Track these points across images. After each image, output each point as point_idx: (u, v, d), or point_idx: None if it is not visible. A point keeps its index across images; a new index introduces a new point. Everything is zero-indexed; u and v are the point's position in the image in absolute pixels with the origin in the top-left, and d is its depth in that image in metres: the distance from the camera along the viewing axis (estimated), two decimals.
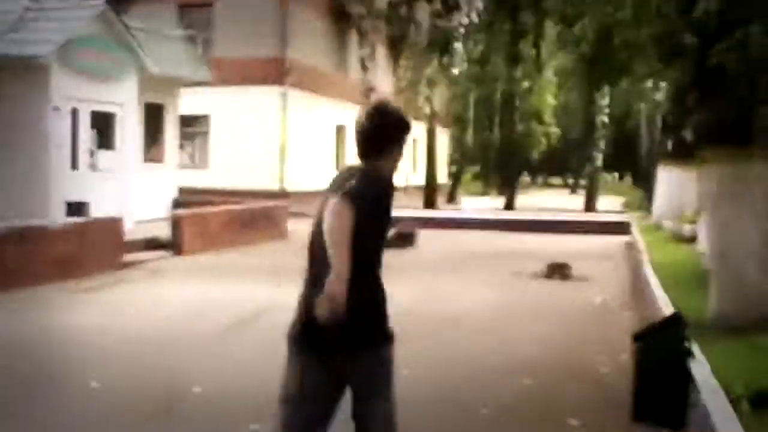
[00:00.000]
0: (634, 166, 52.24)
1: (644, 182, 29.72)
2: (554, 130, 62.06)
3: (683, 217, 13.83)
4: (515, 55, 29.89)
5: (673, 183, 16.11)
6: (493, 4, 30.05)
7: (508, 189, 27.76)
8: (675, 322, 5.71)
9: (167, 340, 8.28)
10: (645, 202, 28.40)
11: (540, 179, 74.12)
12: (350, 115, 29.82)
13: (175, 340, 8.29)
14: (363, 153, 3.48)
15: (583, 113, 60.41)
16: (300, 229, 21.33)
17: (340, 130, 33.28)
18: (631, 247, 16.32)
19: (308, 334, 3.29)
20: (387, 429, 3.35)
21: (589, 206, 32.62)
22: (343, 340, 3.23)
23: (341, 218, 3.09)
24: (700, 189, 9.25)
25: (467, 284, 11.95)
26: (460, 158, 41.99)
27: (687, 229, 12.99)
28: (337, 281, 3.07)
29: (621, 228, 20.21)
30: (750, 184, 6.82)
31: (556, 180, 74.40)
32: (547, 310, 10.07)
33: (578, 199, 39.02)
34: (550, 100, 60.56)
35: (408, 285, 11.11)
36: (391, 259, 3.50)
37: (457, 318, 9.53)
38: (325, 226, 3.15)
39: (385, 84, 36.61)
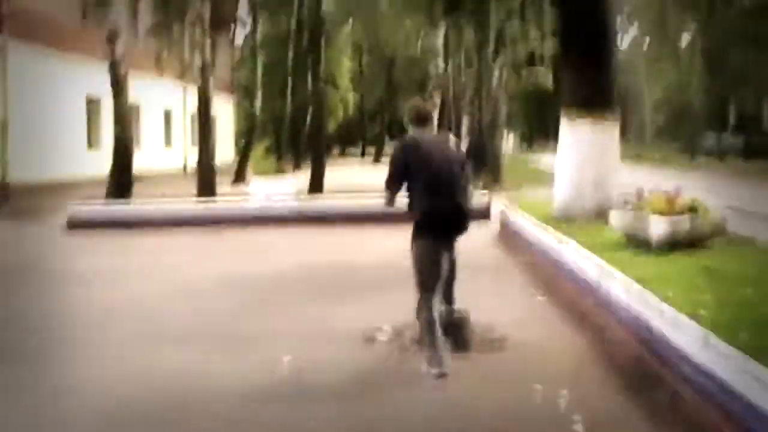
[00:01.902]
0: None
1: (475, 149, 24.23)
2: (351, 96, 56.93)
3: (650, 202, 7.70)
4: None
5: (591, 145, 10.34)
6: None
7: (314, 165, 21.17)
8: None
9: None
10: (486, 175, 23.29)
11: (336, 150, 68.29)
12: (105, 82, 22.09)
13: None
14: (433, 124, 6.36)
15: (386, 72, 55.79)
16: (20, 240, 14.56)
17: (92, 102, 25.78)
18: (511, 250, 10.80)
19: (434, 226, 5.65)
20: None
21: None
22: (457, 228, 5.76)
23: None
24: None
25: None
26: (249, 131, 35.30)
27: (663, 224, 7.14)
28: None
29: (482, 213, 14.77)
30: None
31: (354, 150, 69.01)
32: None
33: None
34: (347, 63, 55.27)
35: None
36: None
37: None
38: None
39: (140, 26, 28.61)
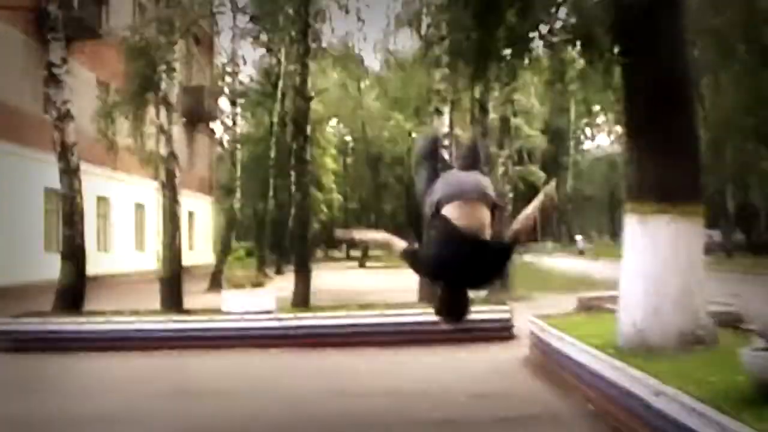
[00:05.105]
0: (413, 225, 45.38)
1: None
2: (336, 197, 54.68)
3: None
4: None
5: (673, 249, 7.52)
6: None
7: (298, 274, 18.20)
8: None
9: None
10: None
11: (320, 253, 65.68)
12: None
13: None
14: None
15: (372, 172, 53.65)
16: None
17: (50, 195, 23.19)
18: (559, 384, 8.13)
19: None
20: None
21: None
22: None
23: None
24: None
25: None
26: (227, 233, 32.52)
27: None
28: None
29: (503, 330, 12.10)
30: None
31: (338, 254, 66.63)
32: None
33: (385, 277, 30.22)
34: (331, 163, 53.27)
35: None
36: None
37: None
38: None
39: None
